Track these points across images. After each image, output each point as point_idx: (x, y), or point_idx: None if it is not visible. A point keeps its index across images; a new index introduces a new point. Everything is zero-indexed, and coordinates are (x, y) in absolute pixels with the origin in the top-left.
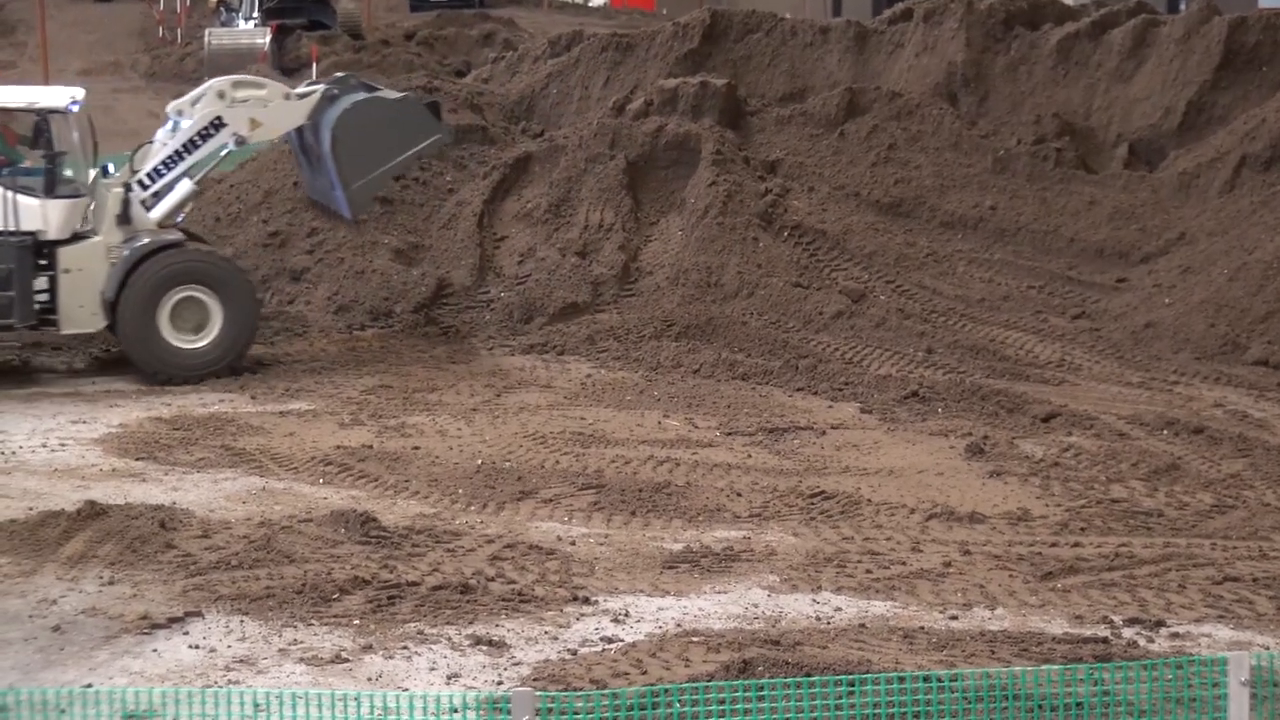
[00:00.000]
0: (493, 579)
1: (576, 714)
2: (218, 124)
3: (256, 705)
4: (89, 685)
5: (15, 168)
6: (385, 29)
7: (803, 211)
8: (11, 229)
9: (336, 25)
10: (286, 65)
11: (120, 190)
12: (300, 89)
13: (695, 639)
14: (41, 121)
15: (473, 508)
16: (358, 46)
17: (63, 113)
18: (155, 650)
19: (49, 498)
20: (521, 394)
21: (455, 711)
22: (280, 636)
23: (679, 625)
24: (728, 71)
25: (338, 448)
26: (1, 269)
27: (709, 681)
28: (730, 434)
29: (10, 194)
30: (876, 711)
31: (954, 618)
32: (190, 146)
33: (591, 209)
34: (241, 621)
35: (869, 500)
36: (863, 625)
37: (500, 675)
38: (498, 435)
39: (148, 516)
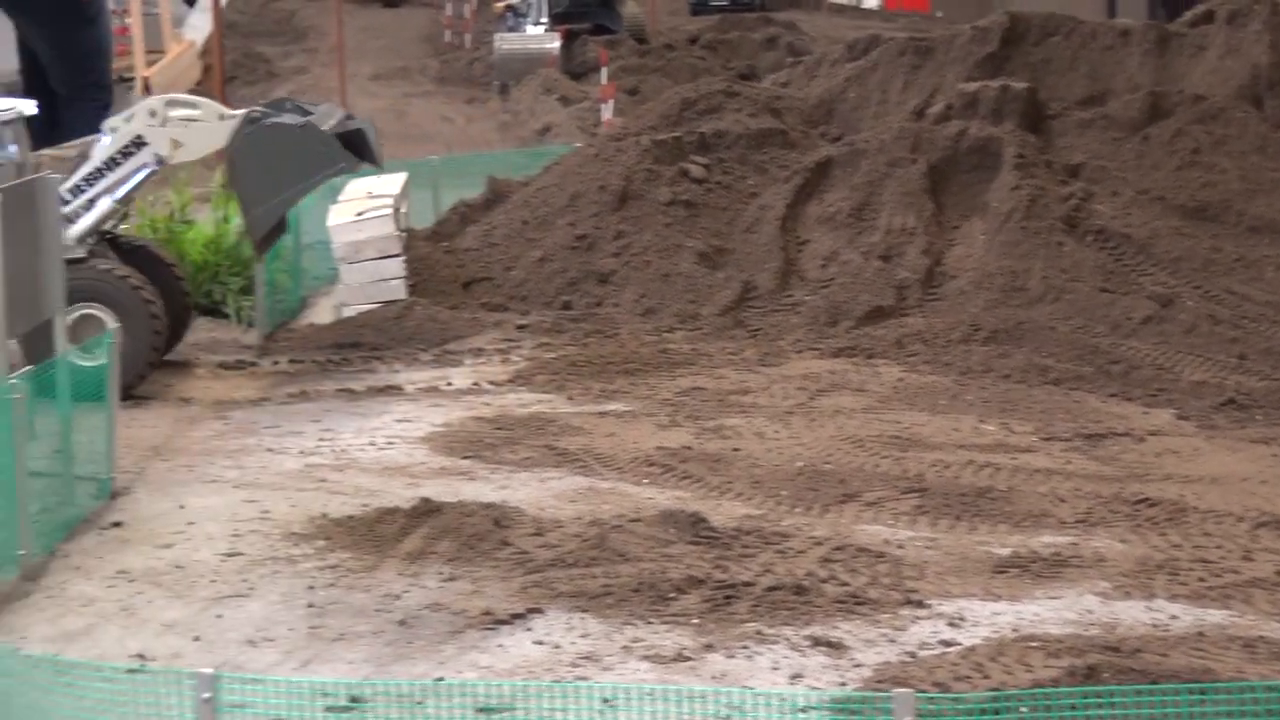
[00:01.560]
0: (825, 580)
1: (957, 715)
2: (139, 143)
3: (606, 700)
4: (440, 679)
5: None
6: (669, 33)
7: (1107, 216)
8: None
9: (622, 29)
10: (574, 69)
11: None
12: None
13: (1034, 644)
14: None
15: (798, 509)
16: (643, 50)
17: None
18: (501, 645)
19: (382, 495)
20: (834, 397)
21: (803, 711)
22: (621, 634)
23: (1015, 630)
24: (1027, 75)
25: (658, 448)
26: None
27: (1055, 687)
28: (1047, 439)
29: None
30: None
31: None
32: (111, 164)
33: (894, 213)
34: (582, 618)
35: (1195, 508)
36: (1201, 633)
37: (842, 676)
38: (815, 438)
39: (481, 514)
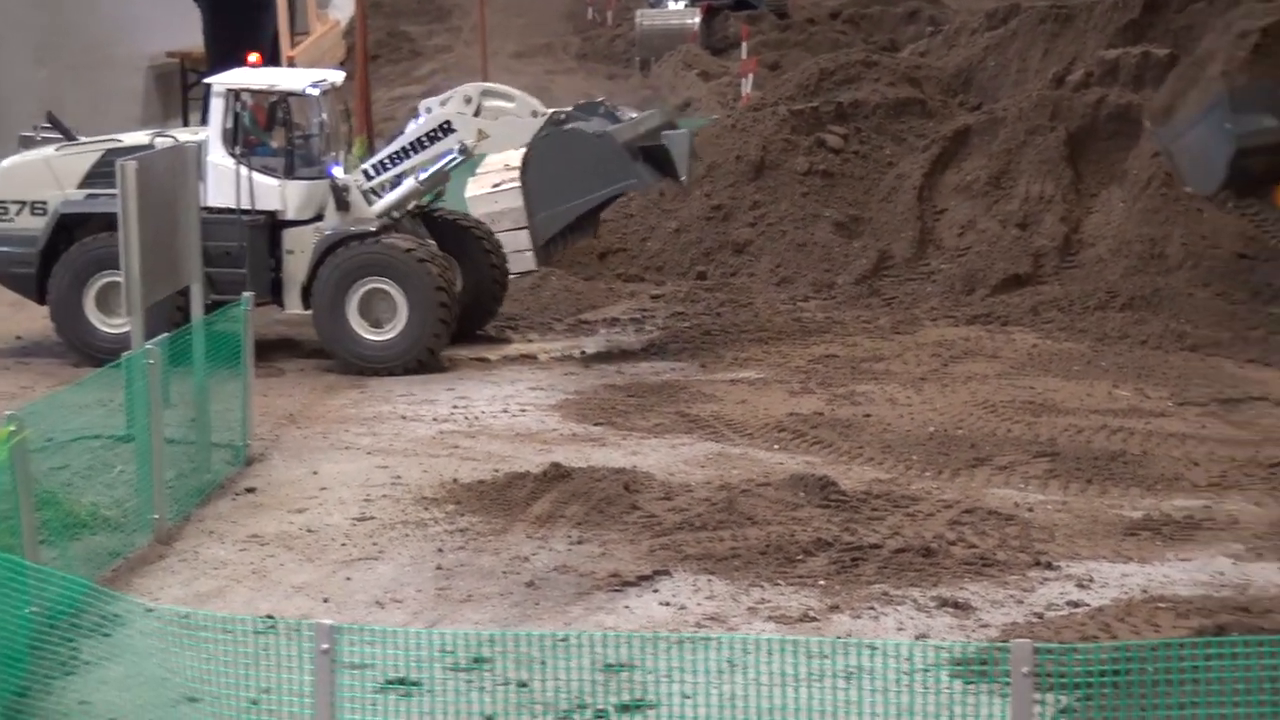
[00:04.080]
0: (954, 543)
1: (1075, 666)
2: (446, 128)
3: (730, 661)
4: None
5: (263, 148)
6: (810, 7)
7: None
8: (246, 208)
9: (763, 4)
10: (715, 45)
11: (347, 177)
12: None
13: (1162, 605)
14: (281, 104)
15: (928, 474)
16: (784, 25)
17: (301, 95)
18: (627, 607)
19: (513, 460)
20: (968, 364)
21: (927, 670)
22: (748, 595)
23: (1145, 591)
24: (1168, 42)
25: (790, 415)
26: (233, 246)
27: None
28: (1183, 404)
29: (248, 173)
30: None
31: None
32: (417, 146)
33: (1031, 181)
34: (709, 580)
35: None
36: None
37: (968, 637)
38: (947, 404)
39: (611, 479)
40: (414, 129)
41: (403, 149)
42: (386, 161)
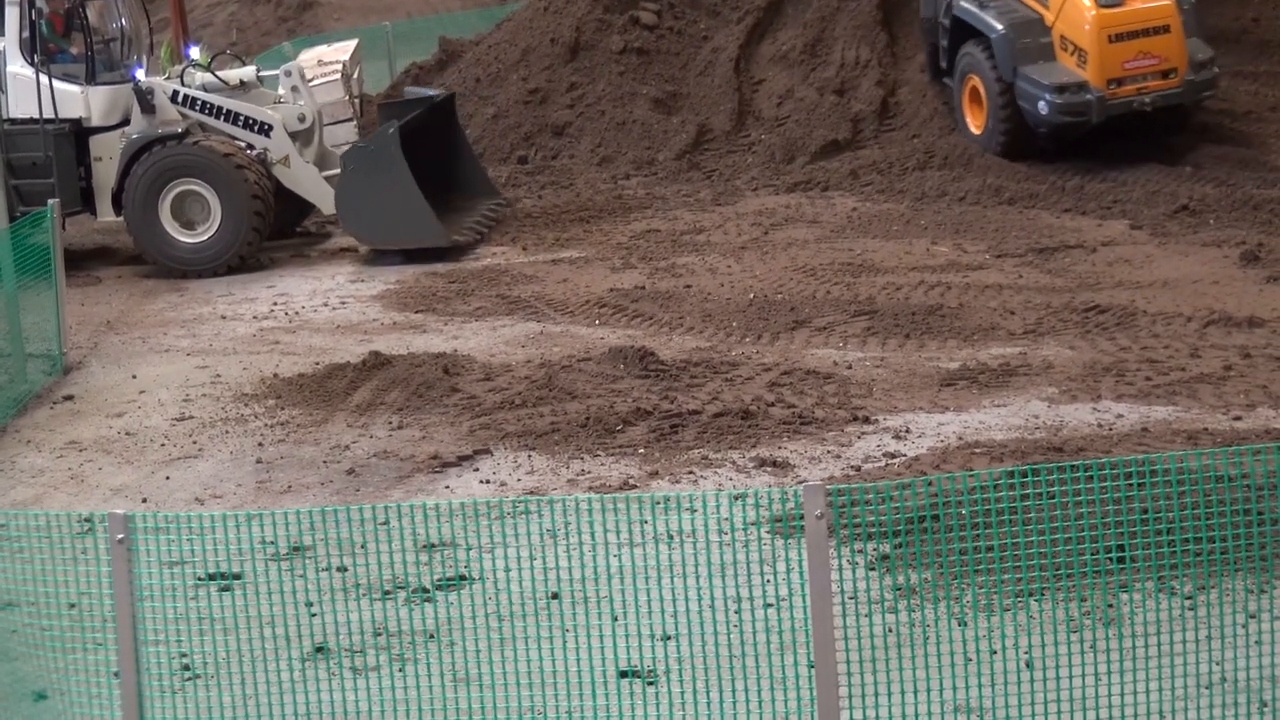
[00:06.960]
0: (772, 404)
1: (868, 504)
2: (266, 129)
3: (551, 532)
4: (384, 522)
5: (63, 55)
6: None
7: None
8: (49, 116)
9: None
10: None
11: (151, 80)
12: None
13: (978, 450)
14: (77, 9)
15: (748, 339)
16: None
17: None
18: (448, 487)
19: (334, 352)
20: (788, 230)
21: (740, 530)
22: (568, 468)
23: (960, 438)
24: None
25: (611, 290)
26: (38, 156)
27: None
28: (1000, 256)
29: (49, 82)
30: (1162, 504)
31: (1238, 418)
32: (232, 118)
33: (847, 47)
34: (529, 456)
35: (1144, 311)
36: (1145, 429)
37: (787, 493)
38: (767, 270)
39: (431, 364)
40: (243, 97)
41: (219, 110)
42: (199, 104)
